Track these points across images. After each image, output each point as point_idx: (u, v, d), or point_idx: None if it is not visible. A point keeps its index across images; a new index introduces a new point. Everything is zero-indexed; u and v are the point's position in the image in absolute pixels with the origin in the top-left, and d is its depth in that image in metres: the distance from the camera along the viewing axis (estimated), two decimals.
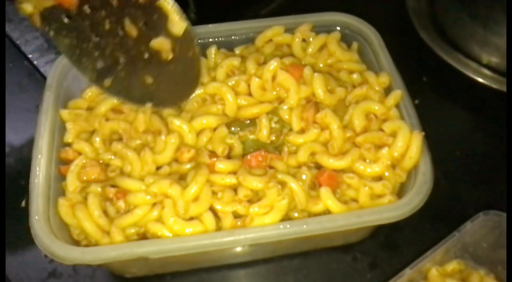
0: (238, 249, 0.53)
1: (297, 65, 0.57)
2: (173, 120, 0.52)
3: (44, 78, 0.74)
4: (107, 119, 0.54)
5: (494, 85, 0.67)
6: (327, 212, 0.50)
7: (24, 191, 0.58)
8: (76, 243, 0.50)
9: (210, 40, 0.61)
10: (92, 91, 0.57)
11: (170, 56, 0.52)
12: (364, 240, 0.59)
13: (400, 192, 0.52)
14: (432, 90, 0.73)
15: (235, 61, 0.58)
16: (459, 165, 0.66)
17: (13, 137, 0.69)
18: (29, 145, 0.67)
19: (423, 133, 0.51)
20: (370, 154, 0.51)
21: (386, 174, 0.51)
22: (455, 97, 0.72)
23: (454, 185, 0.64)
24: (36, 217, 0.47)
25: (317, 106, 0.54)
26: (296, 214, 0.50)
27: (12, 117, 0.71)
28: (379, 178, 0.52)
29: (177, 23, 0.50)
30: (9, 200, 0.61)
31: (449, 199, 0.62)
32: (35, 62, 0.75)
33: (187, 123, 0.53)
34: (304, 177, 0.51)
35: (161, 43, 0.51)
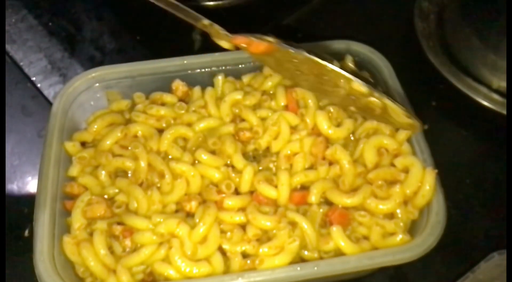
0: None
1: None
2: (177, 166, 0.52)
3: (47, 101, 0.73)
4: (113, 155, 0.53)
5: (504, 111, 0.66)
6: (337, 250, 0.49)
7: (27, 219, 0.58)
8: (81, 280, 0.50)
9: (218, 68, 0.60)
10: (98, 124, 0.56)
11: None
12: (373, 273, 0.58)
13: (412, 228, 0.51)
14: (441, 115, 0.71)
15: (238, 96, 0.57)
16: (469, 194, 0.64)
17: (16, 162, 0.68)
18: (32, 170, 0.67)
19: (436, 171, 0.50)
20: (382, 191, 0.50)
21: (398, 211, 0.50)
22: (464, 122, 0.71)
23: (465, 214, 0.62)
24: (42, 258, 0.46)
25: (327, 141, 0.53)
26: (306, 252, 0.49)
27: (15, 141, 0.70)
28: (390, 215, 0.51)
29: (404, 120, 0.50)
30: (12, 230, 0.60)
31: (460, 229, 0.61)
32: (38, 85, 0.74)
33: (192, 168, 0.52)
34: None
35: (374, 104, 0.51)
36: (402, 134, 0.54)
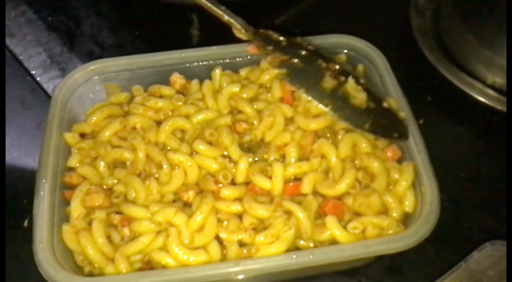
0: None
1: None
2: (174, 156, 0.53)
3: (47, 94, 0.73)
4: (112, 146, 0.54)
5: (498, 107, 0.67)
6: (333, 239, 0.50)
7: (26, 209, 0.58)
8: (80, 269, 0.50)
9: (216, 61, 0.61)
10: (97, 116, 0.57)
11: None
12: (369, 264, 0.59)
13: (406, 219, 0.52)
14: (436, 110, 0.72)
15: (235, 88, 0.58)
16: (463, 187, 0.65)
17: (15, 154, 0.69)
18: (31, 162, 0.67)
19: (413, 163, 0.52)
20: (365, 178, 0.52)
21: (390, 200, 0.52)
22: (459, 117, 0.72)
23: (459, 207, 0.63)
24: (41, 246, 0.47)
25: (316, 134, 0.54)
26: (302, 242, 0.50)
27: (14, 133, 0.70)
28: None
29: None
30: (11, 220, 0.61)
31: (454, 221, 0.62)
32: (38, 79, 0.75)
33: (190, 158, 0.53)
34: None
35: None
36: None
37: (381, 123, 0.51)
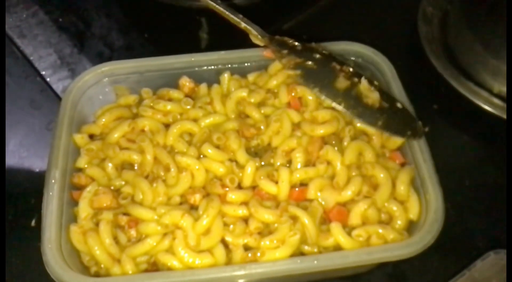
0: None
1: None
2: (182, 159, 0.53)
3: (56, 95, 0.74)
4: (120, 148, 0.55)
5: (504, 116, 0.67)
6: (337, 245, 0.50)
7: (34, 209, 0.59)
8: (86, 269, 0.51)
9: (224, 66, 0.62)
10: (106, 118, 0.57)
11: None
12: (372, 270, 0.59)
13: (410, 226, 0.52)
14: (442, 118, 0.72)
15: (243, 93, 0.59)
16: (468, 195, 0.65)
17: (24, 154, 0.69)
18: (40, 162, 0.68)
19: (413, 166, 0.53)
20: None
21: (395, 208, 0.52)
22: (465, 126, 0.72)
23: (463, 215, 0.63)
24: (50, 246, 0.47)
25: (322, 141, 0.55)
26: (306, 247, 0.50)
27: (23, 133, 0.71)
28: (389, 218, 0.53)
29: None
30: (19, 219, 0.62)
31: (458, 229, 0.62)
32: (48, 79, 0.75)
33: (197, 161, 0.53)
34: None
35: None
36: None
37: (395, 122, 0.52)
